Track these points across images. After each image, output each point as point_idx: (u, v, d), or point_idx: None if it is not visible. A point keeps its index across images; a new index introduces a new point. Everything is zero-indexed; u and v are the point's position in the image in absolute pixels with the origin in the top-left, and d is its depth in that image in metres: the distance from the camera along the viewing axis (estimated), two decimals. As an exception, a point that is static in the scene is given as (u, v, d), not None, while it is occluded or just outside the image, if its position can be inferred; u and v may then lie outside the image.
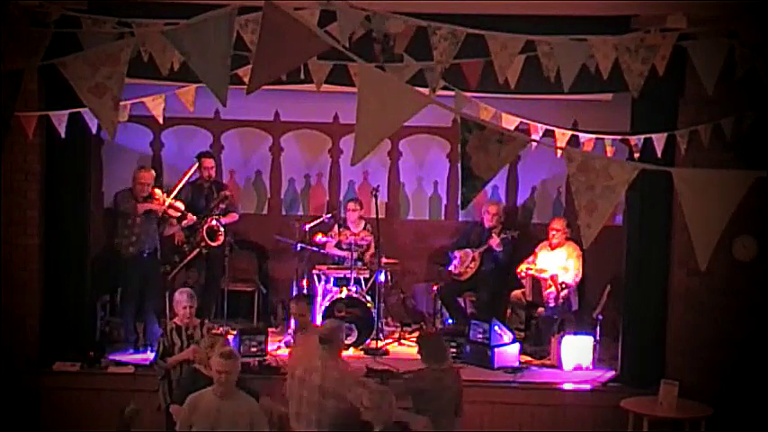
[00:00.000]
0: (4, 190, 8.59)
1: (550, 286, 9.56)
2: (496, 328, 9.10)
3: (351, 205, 10.40)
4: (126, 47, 3.93)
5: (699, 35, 6.13)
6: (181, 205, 9.66)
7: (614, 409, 8.32)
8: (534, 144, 4.54)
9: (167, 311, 10.14)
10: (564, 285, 9.55)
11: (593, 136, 8.41)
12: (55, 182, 8.84)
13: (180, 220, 9.72)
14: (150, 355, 8.89)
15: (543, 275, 9.65)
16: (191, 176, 9.88)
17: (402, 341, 10.00)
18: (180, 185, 9.72)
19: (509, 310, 10.18)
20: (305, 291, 10.00)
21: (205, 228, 9.85)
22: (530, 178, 11.00)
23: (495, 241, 10.09)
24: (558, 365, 9.14)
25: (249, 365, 8.73)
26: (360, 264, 10.15)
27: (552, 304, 9.57)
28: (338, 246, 10.31)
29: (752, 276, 8.61)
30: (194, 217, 9.79)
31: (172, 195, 9.59)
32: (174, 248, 9.96)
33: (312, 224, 10.15)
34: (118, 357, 8.96)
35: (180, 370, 7.63)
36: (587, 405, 8.67)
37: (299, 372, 6.60)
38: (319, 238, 10.08)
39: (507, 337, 9.21)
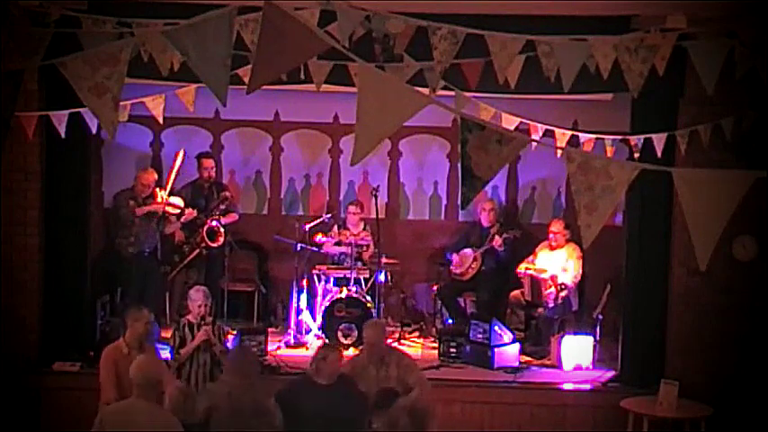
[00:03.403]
0: (4, 190, 8.58)
1: (550, 286, 9.56)
2: (496, 328, 9.10)
3: (351, 208, 10.38)
4: (126, 47, 3.93)
5: (699, 35, 6.14)
6: (179, 201, 9.65)
7: (614, 409, 8.33)
8: (534, 144, 4.54)
9: (167, 311, 10.17)
10: (563, 286, 9.55)
11: (593, 136, 8.41)
12: (55, 182, 8.84)
13: (179, 217, 9.70)
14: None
15: (543, 275, 9.65)
16: (180, 167, 9.82)
17: (402, 341, 9.99)
18: (171, 179, 9.69)
19: (509, 310, 10.18)
20: (305, 291, 10.01)
21: (205, 228, 9.85)
22: (530, 178, 11.01)
23: (497, 242, 10.08)
24: (558, 365, 9.14)
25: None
26: (360, 264, 10.15)
27: (551, 305, 9.57)
28: (338, 243, 10.32)
29: (752, 276, 8.61)
30: (194, 212, 9.78)
31: (167, 189, 9.57)
32: (174, 248, 9.96)
33: (312, 224, 10.14)
34: (118, 357, 8.95)
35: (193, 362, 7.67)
36: (587, 405, 8.66)
37: None
38: (319, 238, 10.08)
39: (507, 337, 9.21)
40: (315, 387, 6.57)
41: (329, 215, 10.40)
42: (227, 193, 10.14)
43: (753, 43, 6.03)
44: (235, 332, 9.26)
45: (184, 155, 9.90)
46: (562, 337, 9.30)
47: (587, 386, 8.82)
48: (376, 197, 9.94)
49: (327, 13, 5.49)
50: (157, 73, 6.26)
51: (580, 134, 8.58)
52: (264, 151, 11.03)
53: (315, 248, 10.07)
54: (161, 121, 7.74)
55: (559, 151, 7.36)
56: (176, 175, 9.74)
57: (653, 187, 8.09)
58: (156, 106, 7.42)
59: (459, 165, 3.86)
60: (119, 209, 9.52)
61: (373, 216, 10.02)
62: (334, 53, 4.03)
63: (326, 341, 9.25)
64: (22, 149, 8.46)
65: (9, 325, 8.61)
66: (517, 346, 9.28)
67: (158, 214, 9.53)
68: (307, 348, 9.60)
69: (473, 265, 10.24)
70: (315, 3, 5.55)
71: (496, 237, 10.11)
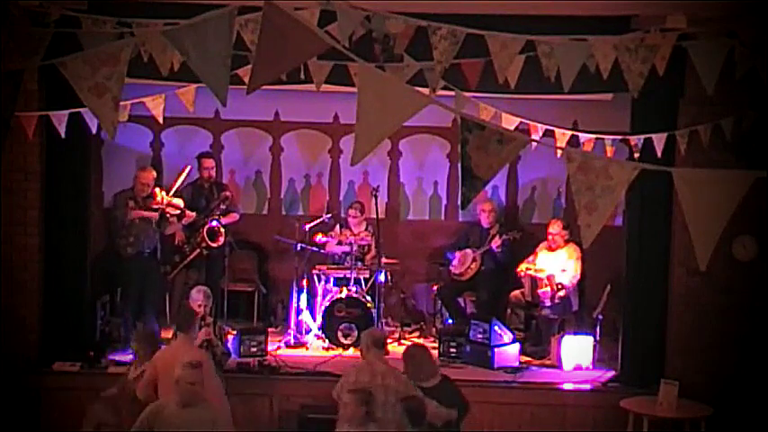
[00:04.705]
0: (4, 190, 8.58)
1: (546, 285, 9.56)
2: (496, 328, 9.10)
3: (352, 212, 10.38)
4: (126, 47, 3.92)
5: (699, 35, 6.14)
6: (179, 202, 9.65)
7: (614, 409, 8.33)
8: (534, 144, 4.54)
9: (168, 311, 10.17)
10: (560, 286, 9.54)
11: (593, 136, 8.41)
12: (55, 182, 8.84)
13: (179, 218, 9.71)
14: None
15: (540, 275, 9.65)
16: (188, 175, 9.85)
17: (402, 341, 9.99)
18: (177, 184, 9.71)
19: (509, 310, 10.17)
20: (305, 291, 10.00)
21: (206, 228, 9.85)
22: (530, 178, 11.01)
23: (496, 243, 10.08)
24: (558, 365, 9.14)
25: (249, 365, 8.75)
26: (360, 264, 10.15)
27: (548, 303, 9.56)
28: (339, 243, 10.32)
29: (752, 276, 8.61)
30: (193, 214, 9.79)
31: (171, 193, 9.59)
32: (174, 248, 9.96)
33: (312, 224, 10.14)
34: (118, 357, 8.94)
35: None
36: (587, 405, 8.66)
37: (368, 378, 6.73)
38: (319, 238, 10.08)
39: (507, 337, 9.21)
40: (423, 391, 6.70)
41: (329, 215, 10.40)
42: (228, 193, 10.14)
43: (753, 43, 6.03)
44: (235, 332, 9.26)
45: (190, 170, 9.90)
46: (562, 337, 9.30)
47: (587, 386, 8.82)
48: (376, 197, 9.95)
49: (327, 13, 5.49)
50: (157, 73, 6.26)
51: (580, 134, 8.58)
52: (264, 151, 11.03)
53: (316, 248, 10.07)
54: (161, 121, 7.75)
55: (559, 151, 7.36)
56: (182, 183, 9.75)
57: (653, 187, 8.09)
58: (156, 106, 7.42)
59: (459, 165, 3.86)
60: (117, 209, 9.53)
61: (373, 216, 10.02)
62: (334, 53, 4.03)
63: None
64: (22, 149, 8.46)
65: (9, 325, 8.61)
66: (517, 346, 9.28)
67: (154, 220, 9.51)
68: (307, 348, 9.60)
69: (472, 266, 10.24)
70: (315, 3, 5.55)
71: (496, 238, 10.10)
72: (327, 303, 9.60)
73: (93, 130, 7.67)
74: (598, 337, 9.39)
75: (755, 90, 7.53)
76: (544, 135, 8.43)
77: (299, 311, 9.87)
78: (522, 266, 9.89)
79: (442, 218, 11.16)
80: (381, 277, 9.86)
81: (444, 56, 5.78)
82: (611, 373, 9.00)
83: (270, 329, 9.74)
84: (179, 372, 6.09)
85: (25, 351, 8.70)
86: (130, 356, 8.82)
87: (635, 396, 8.40)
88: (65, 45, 6.02)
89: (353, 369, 6.87)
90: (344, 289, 9.71)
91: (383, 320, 10.01)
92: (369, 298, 9.71)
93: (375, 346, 6.89)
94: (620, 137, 8.36)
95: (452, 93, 7.43)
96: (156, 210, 9.47)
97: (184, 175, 9.78)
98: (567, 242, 9.79)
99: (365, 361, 6.87)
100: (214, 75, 3.76)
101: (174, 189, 9.68)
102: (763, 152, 8.21)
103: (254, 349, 9.03)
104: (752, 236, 8.51)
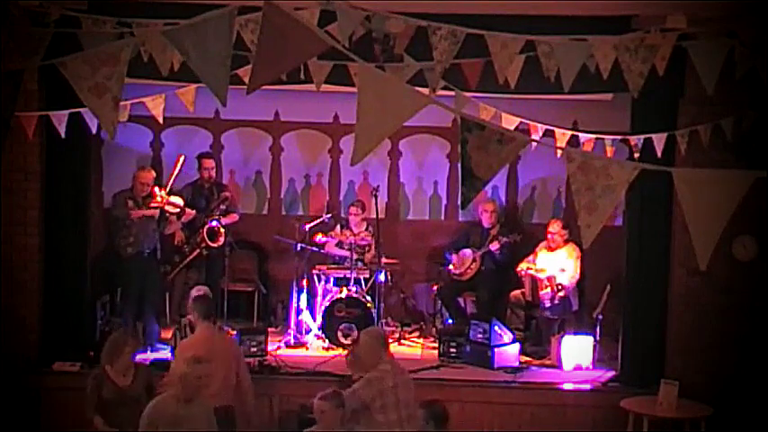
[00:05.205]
0: (4, 190, 8.58)
1: (546, 287, 9.56)
2: (496, 328, 9.10)
3: (353, 209, 10.39)
4: (126, 47, 3.92)
5: (699, 35, 6.15)
6: (179, 200, 9.64)
7: (614, 409, 8.33)
8: (534, 144, 4.54)
9: (168, 311, 10.17)
10: (560, 287, 9.55)
11: (593, 136, 8.41)
12: (55, 182, 8.84)
13: (179, 216, 9.70)
14: (150, 355, 8.91)
15: (541, 275, 9.65)
16: (182, 165, 9.82)
17: (402, 341, 10.01)
18: (172, 179, 9.68)
19: (509, 311, 10.17)
20: (305, 291, 10.00)
21: (206, 228, 9.85)
22: (530, 178, 11.01)
23: (495, 246, 10.08)
24: (558, 365, 9.14)
25: (249, 365, 8.73)
26: (360, 264, 10.15)
27: (548, 304, 9.57)
28: (339, 245, 10.33)
29: (752, 276, 8.61)
30: (193, 211, 9.78)
31: (168, 184, 9.56)
32: (174, 249, 9.96)
33: (312, 224, 10.15)
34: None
35: None
36: (587, 405, 8.67)
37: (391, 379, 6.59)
38: (319, 238, 10.08)
39: (507, 337, 9.21)
40: None
41: (329, 215, 10.41)
42: (228, 194, 10.14)
43: (753, 43, 6.03)
44: (235, 332, 9.26)
45: (185, 160, 9.88)
46: (562, 337, 9.30)
47: (587, 386, 8.82)
48: (376, 197, 9.95)
49: (327, 13, 5.49)
50: (157, 73, 6.26)
51: (580, 134, 8.58)
52: (264, 151, 11.03)
53: (316, 248, 10.07)
54: (161, 121, 7.75)
55: (559, 151, 7.36)
56: (176, 178, 9.73)
57: (653, 187, 8.09)
58: (156, 106, 7.42)
59: (459, 165, 3.86)
60: (116, 209, 9.52)
61: (373, 216, 10.02)
62: (334, 53, 4.03)
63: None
64: (22, 149, 8.46)
65: (9, 325, 8.61)
66: (517, 346, 9.27)
67: (155, 218, 9.51)
68: (307, 348, 9.60)
69: (472, 266, 10.24)
70: (315, 3, 5.55)
71: (496, 242, 10.09)
72: (327, 303, 9.61)
73: (93, 130, 7.66)
74: (598, 337, 9.39)
75: (755, 90, 7.53)
76: (544, 135, 8.43)
77: (299, 311, 9.87)
78: (523, 265, 9.89)
79: (442, 218, 11.17)
80: (381, 277, 9.87)
81: (444, 56, 5.79)
82: (611, 373, 9.00)
83: (270, 329, 9.73)
84: (185, 368, 6.10)
85: (25, 351, 8.70)
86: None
87: (635, 396, 8.40)
88: (65, 45, 6.02)
89: (385, 372, 6.53)
90: (344, 289, 9.72)
91: (383, 320, 10.01)
92: (369, 298, 9.71)
93: (384, 344, 6.73)
94: (620, 137, 8.36)
95: (452, 93, 7.43)
96: (155, 209, 9.46)
97: (179, 165, 9.75)
98: (566, 242, 9.80)
99: (389, 360, 6.62)
100: (214, 75, 3.76)
101: (171, 180, 9.64)
102: (763, 152, 8.21)
103: (254, 349, 9.02)
104: (752, 236, 8.51)
